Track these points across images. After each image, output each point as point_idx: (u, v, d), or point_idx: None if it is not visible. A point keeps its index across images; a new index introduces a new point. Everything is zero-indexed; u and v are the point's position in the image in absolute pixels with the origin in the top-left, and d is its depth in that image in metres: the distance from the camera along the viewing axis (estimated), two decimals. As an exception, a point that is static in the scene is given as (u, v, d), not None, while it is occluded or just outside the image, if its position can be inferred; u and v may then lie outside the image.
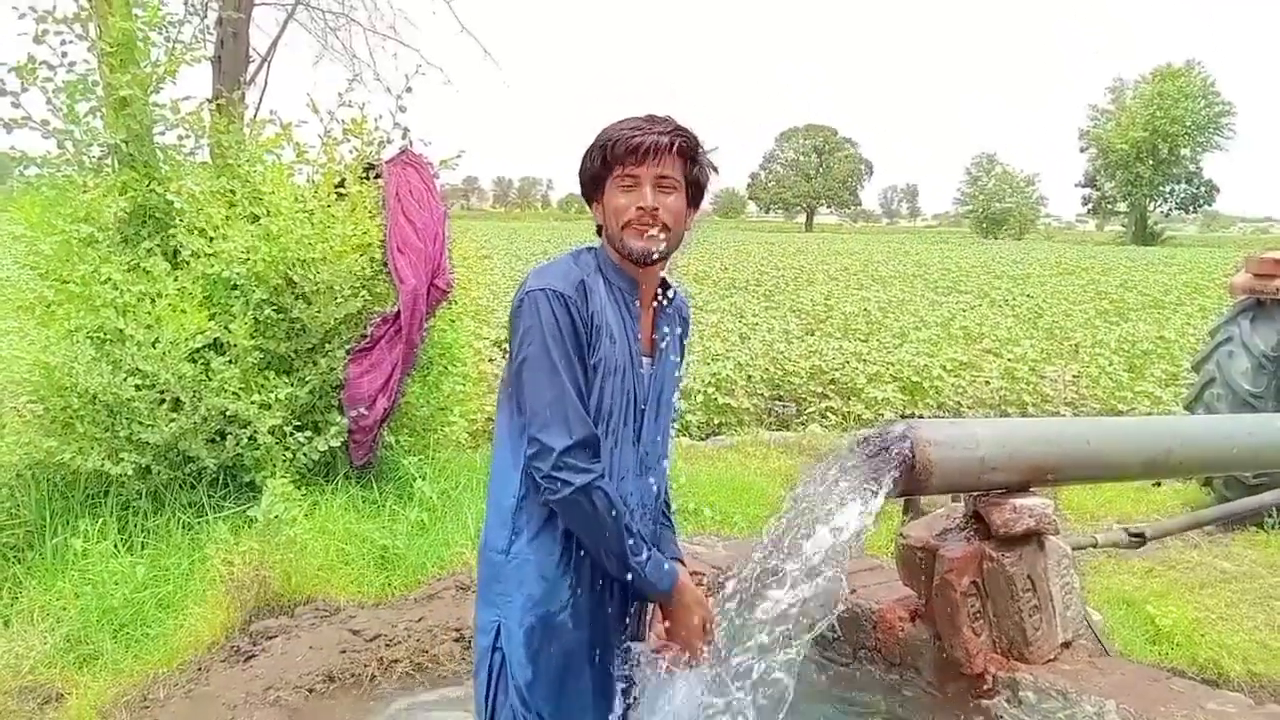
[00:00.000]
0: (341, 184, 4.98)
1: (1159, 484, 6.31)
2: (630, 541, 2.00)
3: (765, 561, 2.32)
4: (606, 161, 2.04)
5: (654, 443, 2.17)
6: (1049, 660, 2.78)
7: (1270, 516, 5.46)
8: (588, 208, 2.16)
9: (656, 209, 2.04)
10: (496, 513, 2.10)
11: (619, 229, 2.06)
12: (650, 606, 2.27)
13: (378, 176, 5.07)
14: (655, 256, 2.07)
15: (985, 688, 2.75)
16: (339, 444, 4.64)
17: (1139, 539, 3.93)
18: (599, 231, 2.14)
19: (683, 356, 2.27)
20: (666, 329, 2.18)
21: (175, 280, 4.43)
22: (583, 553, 2.07)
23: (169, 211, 4.67)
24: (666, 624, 2.18)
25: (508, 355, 2.07)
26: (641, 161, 2.01)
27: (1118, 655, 3.44)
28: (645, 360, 2.11)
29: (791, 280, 23.33)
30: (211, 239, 4.57)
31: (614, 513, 1.96)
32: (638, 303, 2.12)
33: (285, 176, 5.00)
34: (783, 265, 29.35)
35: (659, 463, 2.22)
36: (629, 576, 2.03)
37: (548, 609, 2.05)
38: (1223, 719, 2.47)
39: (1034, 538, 2.82)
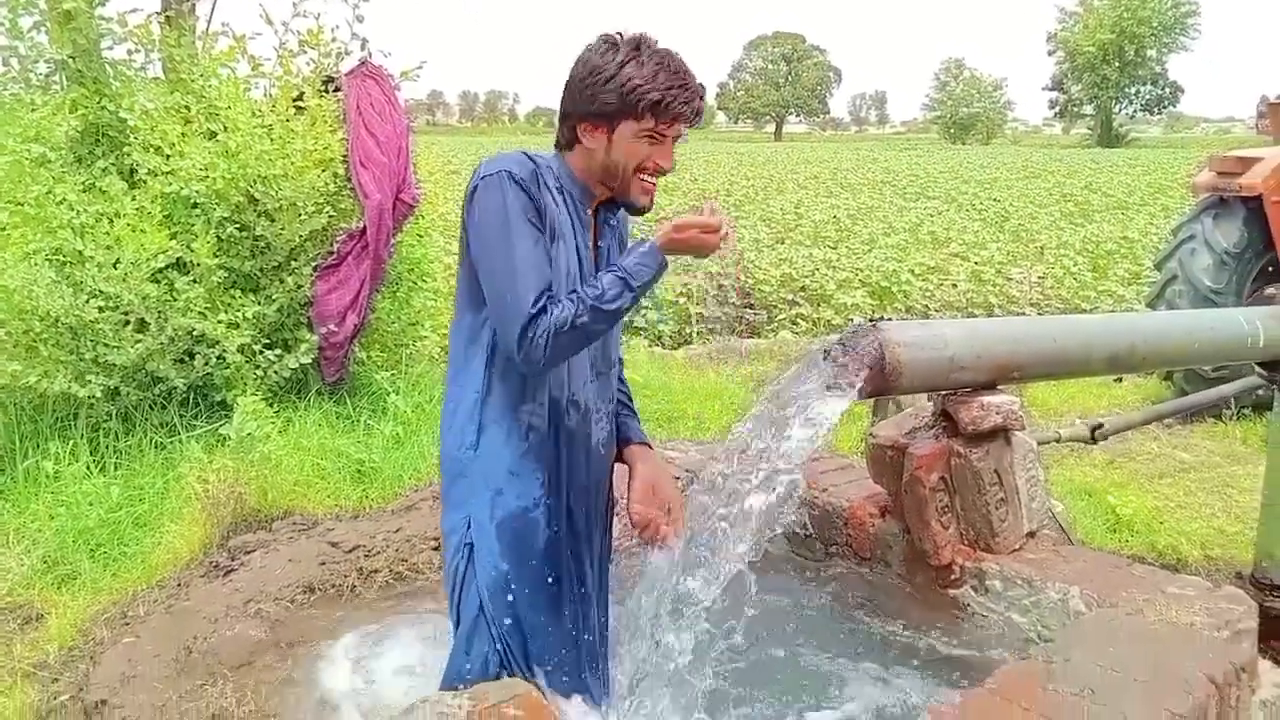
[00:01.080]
0: (300, 98, 4.86)
1: (1120, 380, 6.45)
2: (609, 300, 1.94)
3: (732, 460, 2.36)
4: (636, 109, 1.96)
5: (604, 347, 2.18)
6: (1014, 550, 2.86)
7: (1228, 408, 5.60)
8: (571, 126, 2.05)
9: (669, 170, 2.05)
10: (457, 412, 2.08)
11: (629, 173, 2.03)
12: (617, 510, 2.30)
13: (337, 89, 4.95)
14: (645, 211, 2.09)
15: (953, 578, 2.83)
16: (310, 361, 4.63)
17: (1100, 429, 4.03)
18: (560, 146, 2.10)
19: None
20: (604, 244, 2.16)
21: (133, 200, 4.34)
22: (554, 449, 2.08)
23: (122, 129, 4.55)
24: (648, 490, 2.19)
25: (461, 245, 2.02)
26: (674, 123, 2.00)
27: (1080, 544, 3.56)
28: (591, 265, 2.10)
29: (761, 189, 23.20)
30: (168, 157, 4.46)
31: (587, 313, 1.92)
32: (589, 212, 2.11)
33: (241, 91, 4.87)
34: (752, 175, 29.14)
35: (612, 366, 2.23)
36: (638, 296, 1.99)
37: (520, 504, 2.05)
38: (1182, 601, 2.56)
39: (1001, 434, 2.88)
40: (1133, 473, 4.88)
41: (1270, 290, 3.51)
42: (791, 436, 2.35)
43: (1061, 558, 2.84)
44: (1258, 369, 3.64)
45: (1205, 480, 4.82)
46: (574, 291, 1.95)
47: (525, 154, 2.03)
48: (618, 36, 2.02)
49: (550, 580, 2.12)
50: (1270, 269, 5.91)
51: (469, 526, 2.05)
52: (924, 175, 29.98)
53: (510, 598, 2.07)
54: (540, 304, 1.90)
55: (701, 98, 2.05)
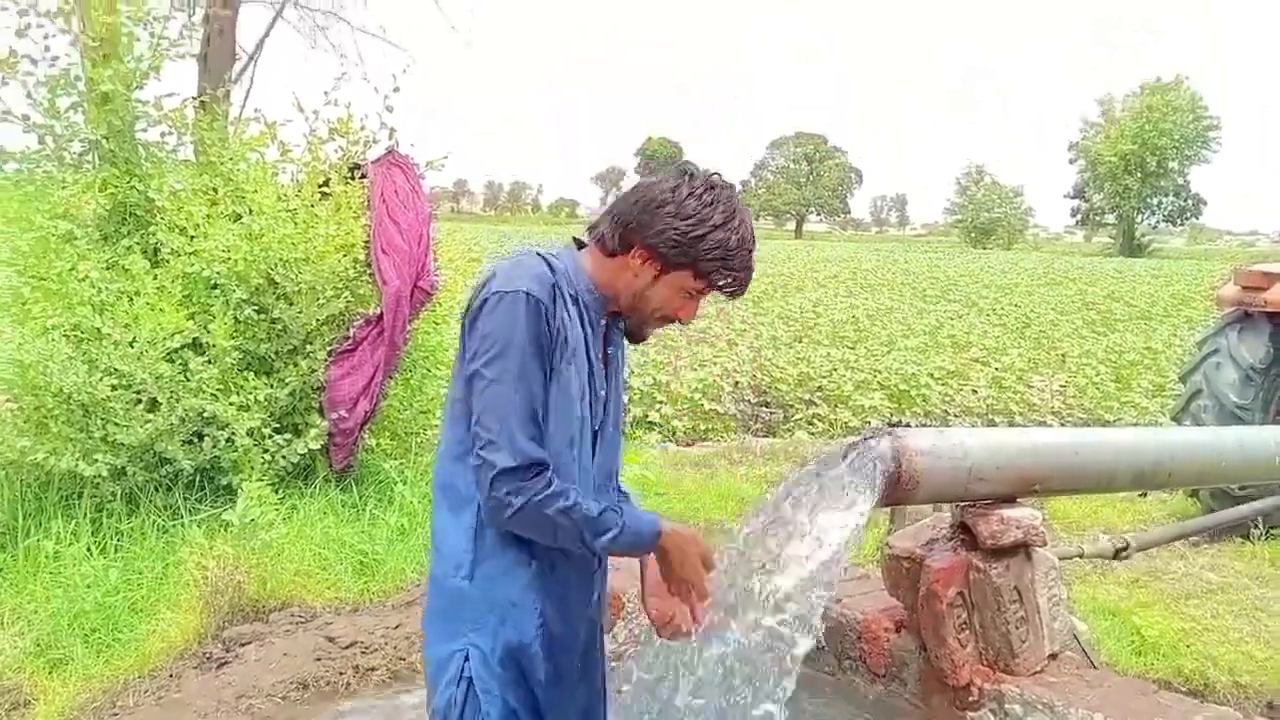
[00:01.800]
0: (326, 184, 4.93)
1: (1145, 494, 6.30)
2: (594, 521, 1.85)
3: (739, 568, 2.27)
4: (703, 271, 1.93)
5: (607, 460, 2.07)
6: (1035, 672, 2.74)
7: (1256, 527, 5.44)
8: (628, 242, 1.94)
9: (686, 324, 2.07)
10: (448, 535, 1.94)
11: (650, 314, 2.00)
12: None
13: (363, 177, 5.02)
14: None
15: (971, 699, 2.71)
16: (319, 447, 4.58)
17: (1125, 549, 3.90)
18: (593, 245, 2.00)
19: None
20: (613, 350, 2.07)
21: (154, 279, 4.37)
22: (555, 576, 1.95)
23: (149, 209, 4.62)
24: (662, 583, 2.04)
25: (459, 357, 1.91)
26: (718, 291, 2.00)
27: (1104, 667, 3.41)
28: (602, 376, 2.00)
29: (780, 287, 23.31)
30: (192, 237, 4.51)
31: (570, 511, 1.82)
32: (603, 320, 2.02)
33: (269, 175, 4.95)
34: (772, 272, 29.32)
35: (611, 478, 2.11)
36: (609, 547, 1.89)
37: (521, 638, 1.92)
38: (1210, 733, 2.43)
39: (1021, 549, 2.79)
40: (1158, 592, 4.71)
41: (1300, 409, 3.42)
42: (805, 557, 2.26)
43: (1085, 682, 2.71)
44: (1287, 488, 3.54)
45: (1233, 602, 4.64)
46: (572, 500, 1.84)
47: (544, 262, 1.92)
48: (717, 183, 1.95)
49: (555, 706, 2.01)
50: (1298, 386, 5.82)
51: (467, 659, 1.91)
52: (944, 278, 30.11)
53: None
54: (532, 462, 1.80)
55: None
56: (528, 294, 1.82)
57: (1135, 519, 5.92)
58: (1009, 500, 2.80)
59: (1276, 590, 4.75)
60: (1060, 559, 3.09)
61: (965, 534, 2.81)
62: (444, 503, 1.96)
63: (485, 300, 1.85)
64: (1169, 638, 4.15)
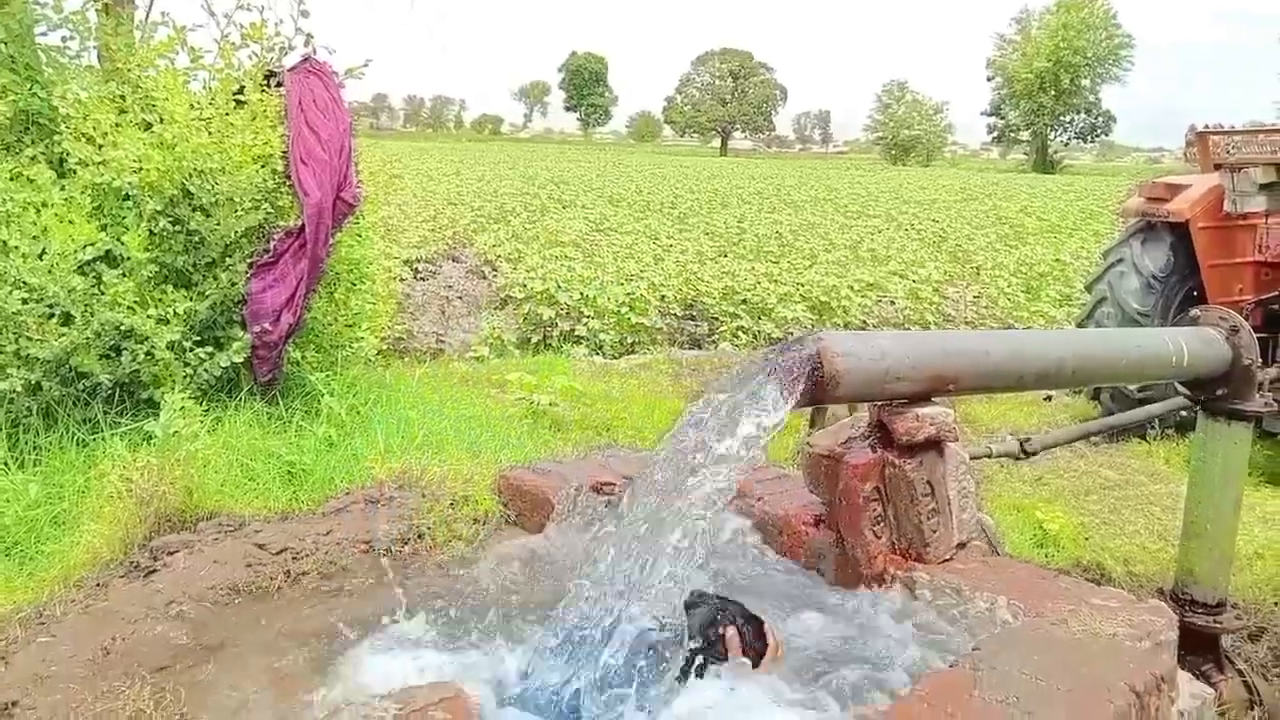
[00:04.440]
0: (240, 92, 4.77)
1: (1050, 398, 6.59)
2: None
3: (669, 464, 2.36)
4: None
5: None
6: (945, 560, 2.90)
7: (1153, 428, 5.76)
8: None
9: None
10: None
11: None
12: None
13: (279, 85, 4.87)
14: None
15: (884, 587, 2.86)
16: (242, 360, 4.53)
17: (1029, 446, 4.11)
18: None
19: None
20: None
21: (62, 189, 4.22)
22: None
23: (53, 117, 4.43)
24: None
25: None
26: None
27: (1008, 557, 3.62)
28: None
29: (705, 203, 23.34)
30: (100, 147, 4.35)
31: None
32: None
33: (179, 83, 4.76)
34: (697, 189, 29.30)
35: None
36: None
37: None
38: (1105, 613, 2.61)
39: (934, 445, 2.92)
40: (1060, 490, 4.98)
41: (1194, 312, 3.60)
42: (728, 445, 2.35)
43: (990, 568, 2.88)
44: (1180, 388, 3.74)
45: (1129, 498, 4.94)
46: None
47: None
48: None
49: None
50: (1195, 293, 6.10)
51: None
52: (865, 194, 30.44)
53: None
54: None
55: None
56: None
57: (1041, 422, 6.21)
58: (924, 399, 2.93)
59: (1170, 486, 5.06)
60: (970, 458, 3.25)
61: (882, 432, 2.93)
62: None
63: None
64: (1069, 531, 4.41)
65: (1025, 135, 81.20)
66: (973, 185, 39.69)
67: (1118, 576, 4.14)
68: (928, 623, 2.73)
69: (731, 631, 2.43)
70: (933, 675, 2.32)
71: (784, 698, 2.44)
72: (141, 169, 4.31)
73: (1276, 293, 6.17)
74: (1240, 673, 3.61)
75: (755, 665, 2.41)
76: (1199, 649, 3.47)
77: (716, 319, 9.43)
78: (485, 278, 12.06)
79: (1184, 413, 5.10)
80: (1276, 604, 4.18)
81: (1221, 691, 3.37)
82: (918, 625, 2.73)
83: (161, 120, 4.48)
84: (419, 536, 3.40)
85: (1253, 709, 3.34)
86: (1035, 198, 31.52)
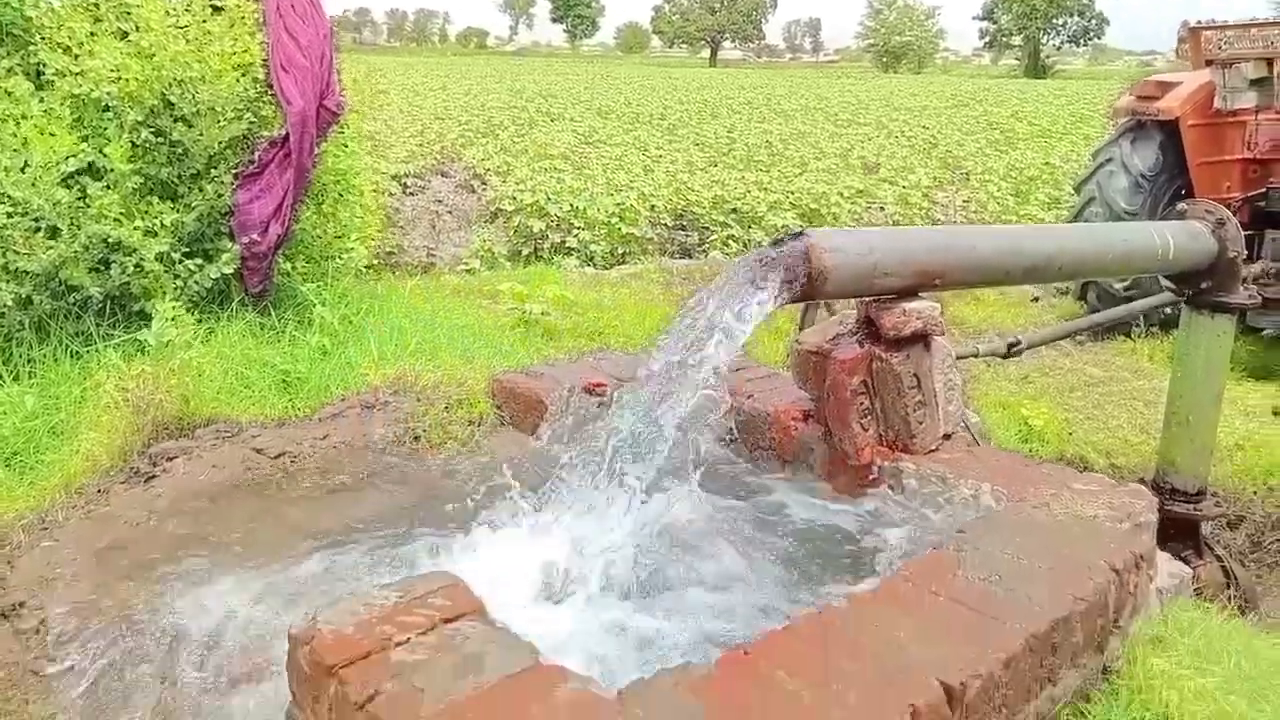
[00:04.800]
0: (216, -3, 4.66)
1: (1037, 299, 6.64)
2: None
3: (664, 358, 2.40)
4: None
5: None
6: (930, 451, 2.97)
7: (1137, 325, 5.82)
8: None
9: None
10: None
11: None
12: None
13: (255, -11, 4.75)
14: None
15: (871, 477, 2.93)
16: (232, 271, 4.51)
17: (1016, 345, 4.16)
18: None
19: None
20: None
21: (40, 101, 4.15)
22: None
23: (27, 27, 4.32)
24: None
25: None
26: None
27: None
28: None
29: (695, 114, 23.03)
30: (77, 56, 4.26)
31: None
32: None
33: (153, -12, 4.64)
34: (686, 100, 28.87)
35: None
36: None
37: None
38: (1086, 496, 2.69)
39: (921, 339, 2.96)
40: (1045, 387, 5.06)
41: (1181, 206, 3.62)
42: (720, 334, 2.39)
43: (974, 457, 2.95)
44: (1166, 283, 3.78)
45: (1113, 394, 5.02)
46: None
47: None
48: None
49: None
50: (1184, 191, 6.10)
51: None
52: (856, 103, 30.04)
53: None
54: None
55: None
56: None
57: (1028, 323, 6.27)
58: (911, 294, 2.96)
59: (1153, 382, 5.14)
60: (958, 358, 3.30)
61: (869, 327, 2.96)
62: None
63: None
64: (1054, 427, 4.50)
65: (1018, 40, 79.85)
66: (964, 91, 39.16)
67: (1100, 469, 4.23)
68: (915, 509, 2.81)
69: None
70: (918, 557, 2.39)
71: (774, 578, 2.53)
72: (120, 79, 4.24)
73: (1264, 189, 6.18)
74: (1219, 558, 3.72)
75: None
76: (1179, 536, 3.57)
77: (707, 228, 9.39)
78: (474, 191, 11.95)
79: (1168, 310, 5.15)
80: (1255, 493, 4.29)
81: (1200, 575, 3.49)
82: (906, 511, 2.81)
83: (137, 28, 4.38)
84: (415, 439, 3.46)
85: (1228, 589, 3.46)
86: (1026, 102, 31.15)
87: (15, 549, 2.85)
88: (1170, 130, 6.16)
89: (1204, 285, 3.53)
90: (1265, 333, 6.07)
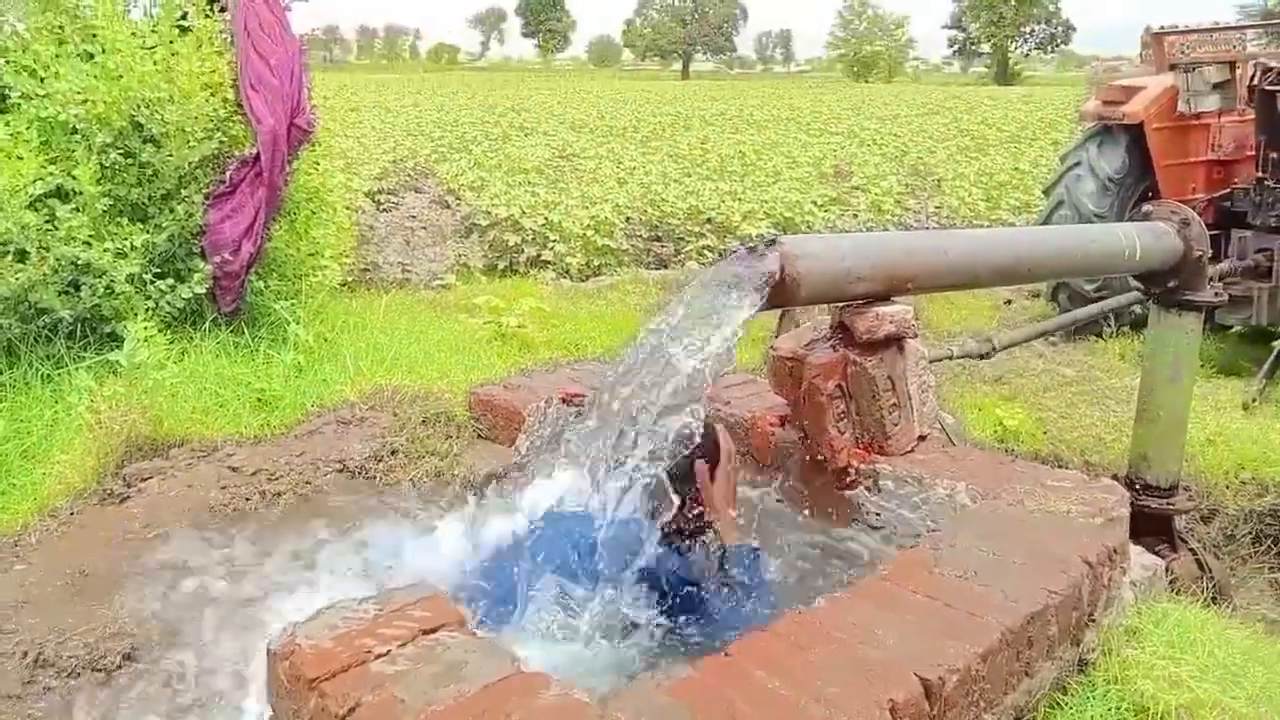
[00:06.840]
0: (184, 18, 4.66)
1: (1010, 302, 6.71)
2: None
3: (641, 367, 2.41)
4: None
5: None
6: (906, 452, 2.99)
7: (1108, 325, 5.89)
8: None
9: None
10: None
11: None
12: None
13: (223, 10, 4.76)
14: None
15: (848, 480, 2.95)
16: (204, 291, 4.50)
17: (989, 346, 4.20)
18: None
19: None
20: None
21: (6, 124, 4.13)
22: None
23: (-10, 50, 4.31)
24: None
25: None
26: None
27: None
28: None
29: (668, 126, 23.10)
30: (43, 79, 4.25)
31: None
32: None
33: (119, 10, 4.63)
34: (659, 112, 28.95)
35: None
36: None
37: None
38: (1060, 492, 2.72)
39: (894, 342, 2.98)
40: (1019, 388, 5.10)
41: (1147, 208, 3.67)
42: (698, 347, 2.40)
43: (950, 458, 2.98)
44: (1134, 282, 3.83)
45: (1085, 393, 5.07)
46: None
47: None
48: None
49: None
50: (1150, 194, 6.19)
51: None
52: (827, 112, 30.21)
53: None
54: None
55: None
56: None
57: (1001, 326, 6.32)
58: (884, 299, 2.98)
59: (1125, 380, 5.20)
60: (932, 361, 3.33)
61: (843, 332, 2.99)
62: None
63: None
64: (1028, 427, 4.54)
65: (986, 48, 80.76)
66: (934, 99, 39.46)
67: (1074, 468, 4.26)
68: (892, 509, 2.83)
69: (700, 465, 2.56)
70: (895, 556, 2.41)
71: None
72: (87, 101, 4.23)
73: (1228, 190, 6.28)
74: (1193, 551, 3.76)
75: (712, 477, 2.58)
76: (1153, 530, 3.61)
77: (682, 239, 9.43)
78: (449, 207, 11.92)
79: (1138, 310, 5.22)
80: (1228, 487, 4.34)
81: (1174, 568, 3.52)
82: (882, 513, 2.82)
83: (104, 50, 4.37)
84: (392, 454, 3.45)
85: (1201, 580, 3.50)
86: (996, 109, 31.44)
87: (-12, 573, 2.82)
88: (1136, 134, 6.26)
89: (1171, 284, 3.57)
90: (1233, 329, 6.16)
